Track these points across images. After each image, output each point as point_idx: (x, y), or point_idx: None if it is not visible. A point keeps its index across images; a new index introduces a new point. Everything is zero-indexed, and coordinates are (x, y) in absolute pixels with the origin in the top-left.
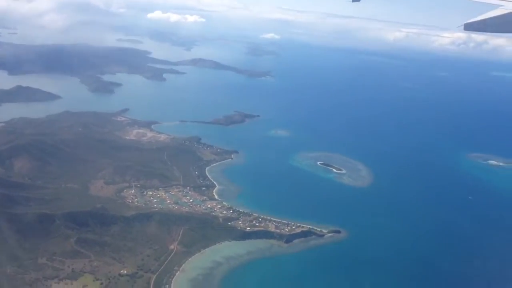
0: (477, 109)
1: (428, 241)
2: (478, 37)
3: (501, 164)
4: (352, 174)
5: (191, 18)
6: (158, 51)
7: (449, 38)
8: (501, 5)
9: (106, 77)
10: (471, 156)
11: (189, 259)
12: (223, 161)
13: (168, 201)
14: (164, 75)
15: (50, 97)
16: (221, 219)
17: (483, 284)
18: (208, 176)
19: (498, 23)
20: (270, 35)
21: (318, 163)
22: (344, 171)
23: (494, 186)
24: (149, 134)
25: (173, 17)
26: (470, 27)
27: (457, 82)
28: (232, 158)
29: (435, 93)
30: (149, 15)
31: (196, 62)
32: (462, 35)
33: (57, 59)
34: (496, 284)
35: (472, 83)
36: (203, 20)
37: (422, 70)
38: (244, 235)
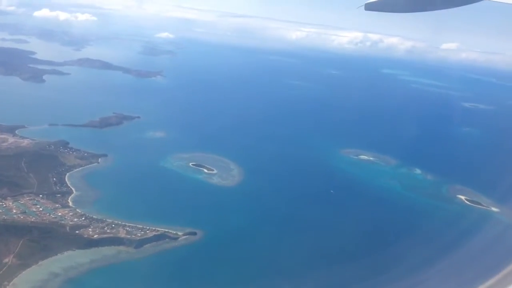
0: (360, 105)
1: (278, 237)
2: (374, 36)
3: (371, 158)
4: (223, 173)
5: (82, 17)
6: (45, 51)
7: (347, 38)
8: None
9: None
10: (344, 152)
11: (23, 272)
12: (88, 166)
13: (15, 210)
14: (45, 76)
15: None
16: (68, 228)
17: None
18: (67, 182)
19: (397, 2)
20: (164, 34)
21: (190, 164)
22: (215, 171)
23: (357, 179)
24: (11, 140)
25: (62, 15)
26: (370, 7)
27: (346, 79)
28: (98, 163)
29: (322, 91)
30: (36, 13)
31: (82, 62)
32: (359, 34)
33: None
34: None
35: (360, 81)
36: (95, 18)
37: (315, 69)
38: (91, 243)
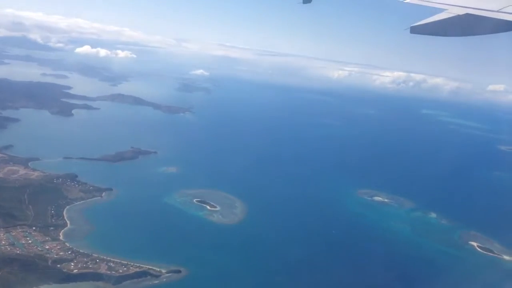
0: (388, 145)
1: (261, 280)
2: (417, 76)
3: (385, 200)
4: (225, 211)
5: (122, 54)
6: (81, 86)
7: (389, 77)
8: (446, 10)
9: (7, 113)
10: (359, 192)
11: None
12: (90, 199)
13: (3, 242)
14: (74, 111)
15: None
16: (50, 261)
17: None
18: (64, 215)
19: (443, 26)
20: (199, 72)
21: (195, 200)
22: (218, 208)
23: (363, 220)
24: (22, 172)
25: (102, 52)
26: (415, 30)
27: (381, 120)
28: (101, 196)
29: (352, 131)
30: (77, 50)
31: (115, 97)
32: (402, 74)
33: None
34: None
35: (396, 121)
36: (134, 56)
37: (352, 108)
38: (69, 278)
